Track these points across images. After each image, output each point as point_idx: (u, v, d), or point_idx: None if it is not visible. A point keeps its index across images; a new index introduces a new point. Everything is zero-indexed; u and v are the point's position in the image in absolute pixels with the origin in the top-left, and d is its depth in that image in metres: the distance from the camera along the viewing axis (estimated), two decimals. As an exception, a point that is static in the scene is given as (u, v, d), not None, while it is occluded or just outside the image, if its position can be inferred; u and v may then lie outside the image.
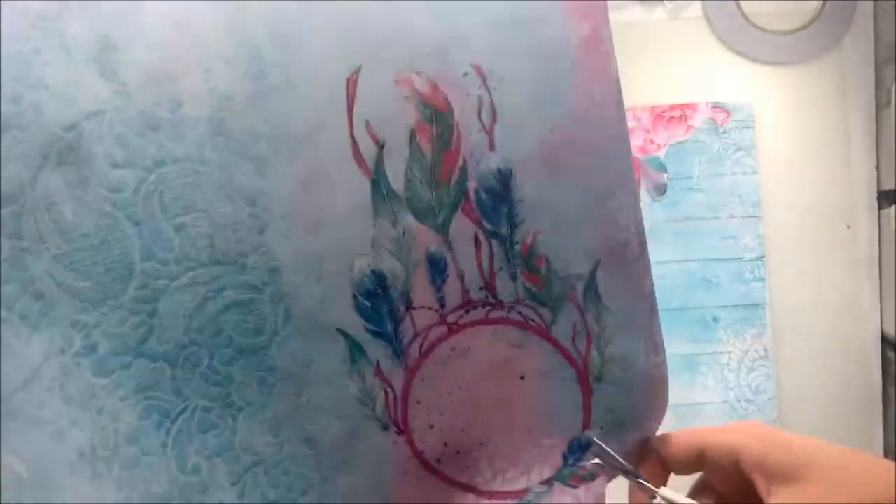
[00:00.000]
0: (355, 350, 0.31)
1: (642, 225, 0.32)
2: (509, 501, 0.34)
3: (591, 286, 0.32)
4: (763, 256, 0.89)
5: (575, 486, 0.34)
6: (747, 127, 0.90)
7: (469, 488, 0.34)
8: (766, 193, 0.90)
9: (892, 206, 0.90)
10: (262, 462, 0.30)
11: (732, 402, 0.88)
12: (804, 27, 0.92)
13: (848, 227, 0.92)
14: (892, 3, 0.93)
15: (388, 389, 0.32)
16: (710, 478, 0.33)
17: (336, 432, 0.31)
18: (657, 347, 0.33)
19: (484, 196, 0.31)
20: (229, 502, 0.29)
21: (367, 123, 0.29)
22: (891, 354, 0.91)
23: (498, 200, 0.31)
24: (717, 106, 0.89)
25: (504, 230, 0.31)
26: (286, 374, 0.30)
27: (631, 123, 0.87)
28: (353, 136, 0.29)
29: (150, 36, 0.26)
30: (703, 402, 0.88)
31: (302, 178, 0.29)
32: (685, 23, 0.91)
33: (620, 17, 0.89)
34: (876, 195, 0.92)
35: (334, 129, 0.29)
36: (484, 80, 0.30)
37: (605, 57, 0.30)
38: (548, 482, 0.34)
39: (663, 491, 0.33)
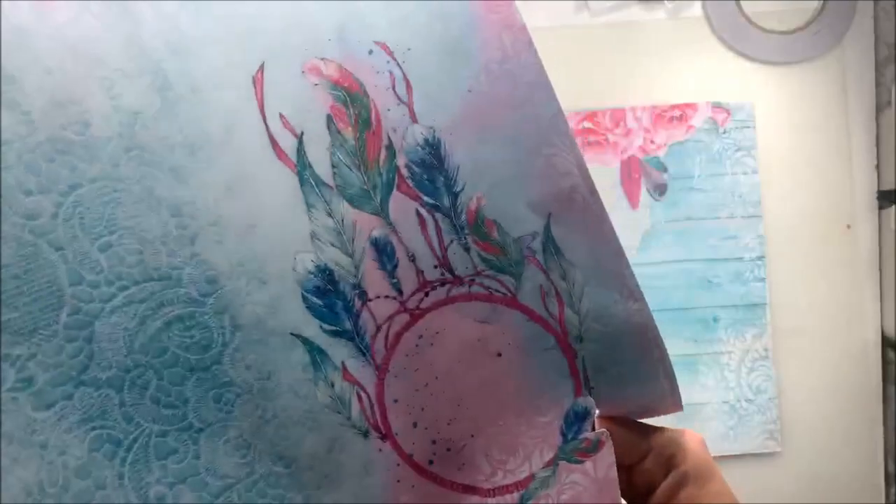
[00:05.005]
0: (316, 354, 0.30)
1: (585, 167, 0.30)
2: (515, 494, 0.31)
3: (548, 242, 0.31)
4: (763, 256, 0.87)
5: (581, 461, 0.31)
6: (748, 127, 0.89)
7: (471, 489, 0.31)
8: (766, 193, 0.89)
9: (893, 206, 0.88)
10: (234, 486, 0.28)
11: (732, 402, 0.86)
12: (804, 27, 0.93)
13: (848, 227, 0.90)
14: (893, 3, 0.94)
15: (361, 392, 0.30)
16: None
17: (311, 446, 0.29)
18: (632, 293, 0.31)
19: (416, 170, 0.30)
20: (203, 532, 0.27)
21: (282, 116, 0.29)
22: (891, 354, 0.89)
23: (432, 171, 0.30)
24: (717, 106, 0.89)
25: (445, 201, 0.30)
26: (245, 388, 0.29)
27: (631, 123, 0.87)
28: (269, 132, 0.29)
29: (46, 62, 0.26)
30: (703, 402, 0.86)
31: (225, 182, 0.28)
32: (685, 23, 0.92)
33: (620, 17, 0.91)
34: (876, 195, 0.91)
35: (249, 128, 0.29)
36: (391, 55, 0.30)
37: (507, 6, 0.30)
38: (551, 463, 0.31)
39: None
